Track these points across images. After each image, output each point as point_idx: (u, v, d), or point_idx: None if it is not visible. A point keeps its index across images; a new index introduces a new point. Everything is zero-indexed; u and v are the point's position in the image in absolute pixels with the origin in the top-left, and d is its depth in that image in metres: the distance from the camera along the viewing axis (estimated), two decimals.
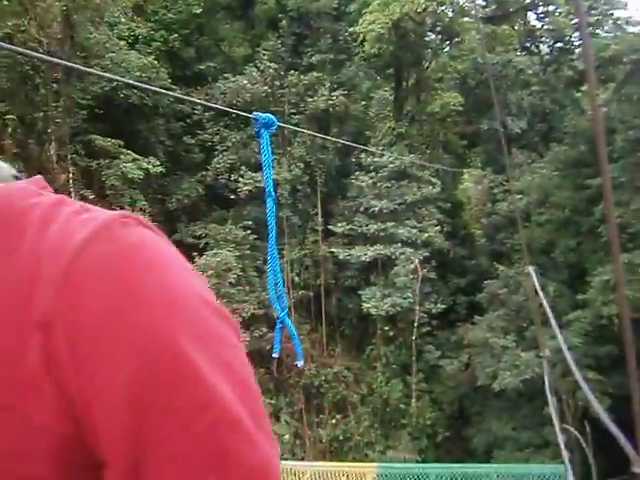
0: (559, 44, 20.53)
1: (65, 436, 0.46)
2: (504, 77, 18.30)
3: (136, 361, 0.45)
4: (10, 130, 12.71)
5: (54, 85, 13.45)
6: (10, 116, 12.70)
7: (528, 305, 15.21)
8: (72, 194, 13.97)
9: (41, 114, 13.40)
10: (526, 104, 18.13)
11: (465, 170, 22.69)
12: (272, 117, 3.05)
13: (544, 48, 21.33)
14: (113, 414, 0.46)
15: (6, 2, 12.56)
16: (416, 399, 16.88)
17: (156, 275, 0.48)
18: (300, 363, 3.67)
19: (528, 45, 21.50)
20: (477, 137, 20.45)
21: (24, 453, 0.46)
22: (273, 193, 3.28)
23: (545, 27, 20.87)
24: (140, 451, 0.45)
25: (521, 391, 14.35)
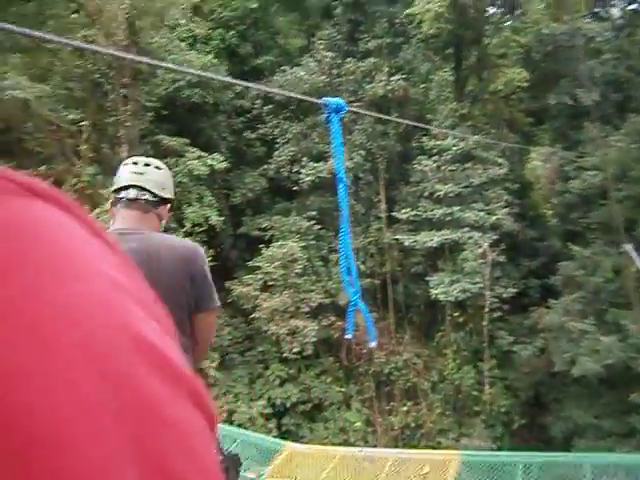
0: (633, 6, 19.18)
1: None
2: (572, 47, 17.32)
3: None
4: (85, 136, 13.43)
5: (122, 90, 14.06)
6: (84, 123, 13.41)
7: (607, 287, 14.48)
8: None
9: (112, 119, 14.06)
10: (598, 74, 17.09)
11: (532, 148, 21.76)
12: (342, 101, 3.02)
13: (615, 12, 20.01)
14: None
15: (75, 15, 13.24)
16: (489, 386, 16.49)
17: (58, 263, 0.28)
18: (373, 344, 3.63)
19: (597, 10, 20.23)
20: (545, 113, 19.52)
21: None
22: (344, 178, 3.23)
23: None
24: None
25: (603, 377, 13.70)
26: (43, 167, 13.81)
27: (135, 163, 2.07)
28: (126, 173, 2.03)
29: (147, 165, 2.08)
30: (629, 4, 19.27)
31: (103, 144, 14.34)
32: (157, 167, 2.10)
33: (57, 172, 13.86)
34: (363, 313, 3.39)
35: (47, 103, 13.40)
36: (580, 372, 13.51)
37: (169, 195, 2.10)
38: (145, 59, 2.77)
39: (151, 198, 2.01)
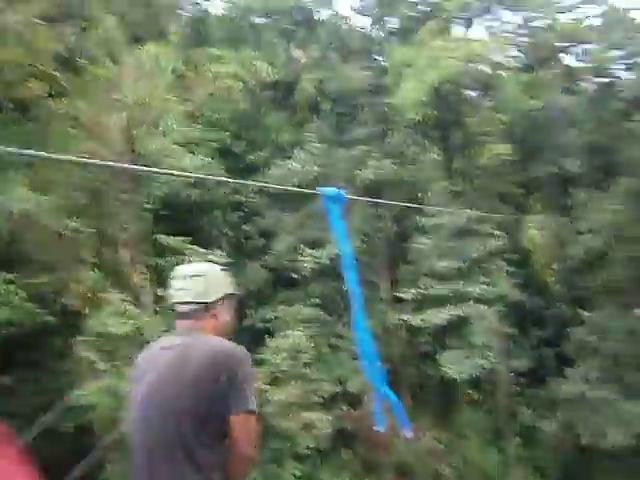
0: (602, 79, 20.25)
1: None
2: (551, 120, 18.11)
3: None
4: (86, 242, 13.65)
5: (122, 195, 14.48)
6: (86, 230, 13.68)
7: (625, 350, 14.12)
8: (147, 293, 14.61)
9: (112, 223, 14.37)
10: (580, 142, 17.74)
11: (526, 217, 22.07)
12: (339, 191, 2.99)
13: (589, 85, 21.09)
14: None
15: (74, 131, 13.92)
16: (515, 467, 15.61)
17: None
18: (410, 434, 3.19)
19: (570, 86, 21.34)
20: (534, 183, 20.02)
21: None
22: (354, 262, 3.18)
23: (587, 65, 20.74)
24: None
25: (636, 448, 12.99)
26: (45, 276, 13.91)
27: (177, 278, 2.24)
28: (172, 291, 2.24)
29: (186, 278, 2.23)
30: (598, 76, 20.37)
31: (104, 248, 14.55)
32: (197, 275, 2.23)
33: (59, 280, 13.93)
34: (391, 401, 3.09)
35: (50, 213, 13.74)
36: (609, 444, 12.85)
37: (215, 299, 2.23)
38: (139, 167, 2.92)
39: (197, 307, 2.18)
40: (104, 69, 14.21)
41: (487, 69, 18.85)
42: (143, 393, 2.04)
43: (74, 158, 2.82)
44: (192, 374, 1.96)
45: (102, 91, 14.19)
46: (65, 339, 13.86)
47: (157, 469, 1.94)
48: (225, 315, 2.27)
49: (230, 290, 2.32)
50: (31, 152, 2.25)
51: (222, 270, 2.36)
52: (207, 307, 2.20)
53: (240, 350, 2.07)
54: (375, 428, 2.98)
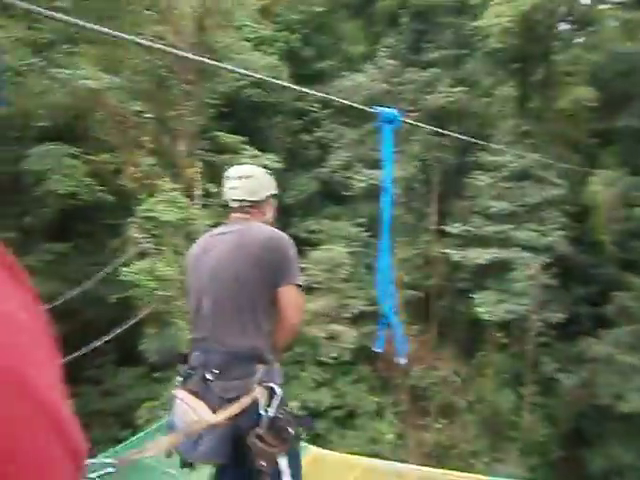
0: None
1: None
2: None
3: None
4: (148, 128, 13.92)
5: (186, 86, 14.48)
6: (148, 115, 13.90)
7: None
8: (198, 187, 14.99)
9: (174, 113, 14.50)
10: None
11: (595, 171, 20.94)
12: (395, 112, 2.95)
13: None
14: None
15: (147, 12, 13.76)
16: (529, 412, 15.97)
17: None
18: (403, 360, 3.49)
19: None
20: (612, 135, 18.77)
21: None
22: (390, 189, 3.25)
23: None
24: None
25: None
26: (107, 155, 14.42)
27: (231, 178, 2.63)
28: (226, 189, 2.64)
29: (239, 178, 2.61)
30: None
31: (164, 136, 14.81)
32: (249, 176, 2.63)
33: (119, 160, 14.42)
34: (394, 328, 3.30)
35: (116, 94, 13.98)
36: (628, 409, 12.89)
37: (262, 197, 2.64)
38: (206, 60, 2.89)
39: (247, 204, 2.60)
40: None
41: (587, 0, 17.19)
42: (213, 264, 2.43)
43: (144, 42, 2.82)
44: (253, 251, 2.38)
45: None
46: (118, 218, 14.59)
47: (228, 327, 2.35)
48: (270, 212, 2.69)
49: (274, 191, 2.73)
50: (101, 29, 2.24)
51: (267, 173, 2.73)
52: (257, 204, 2.61)
53: (287, 237, 2.50)
54: (375, 349, 3.19)
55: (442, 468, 14.48)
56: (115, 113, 13.80)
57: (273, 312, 2.39)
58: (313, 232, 16.88)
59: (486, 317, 15.13)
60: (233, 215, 2.63)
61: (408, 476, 4.62)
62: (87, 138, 14.72)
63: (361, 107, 3.23)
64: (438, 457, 16.22)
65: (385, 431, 15.86)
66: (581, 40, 18.68)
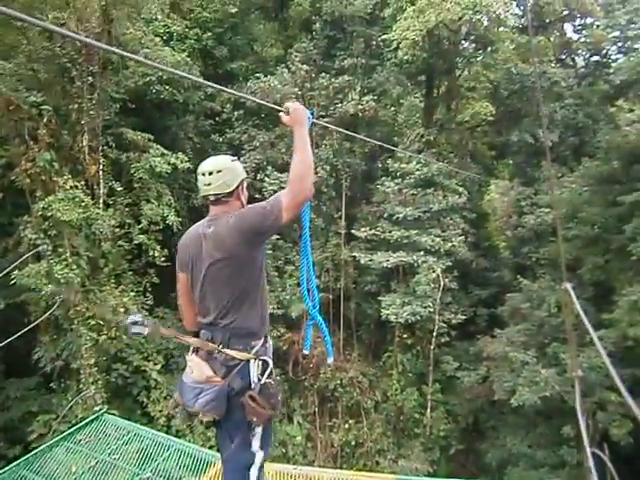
0: (595, 57, 20.14)
1: None
2: (538, 88, 18.02)
3: None
4: (45, 120, 12.97)
5: (90, 78, 13.66)
6: (46, 107, 12.96)
7: (550, 321, 14.96)
8: (101, 185, 14.20)
9: (76, 106, 13.62)
10: (559, 117, 17.84)
11: (492, 181, 22.43)
12: (308, 112, 2.96)
13: (580, 61, 20.96)
14: None
15: None
16: (431, 409, 16.72)
17: None
18: (331, 360, 3.75)
19: (563, 57, 21.15)
20: (506, 148, 20.19)
21: None
22: None
23: (582, 40, 20.51)
24: None
25: (539, 408, 14.09)
26: None
27: (203, 174, 2.86)
28: (201, 185, 2.87)
29: (210, 174, 2.84)
30: (592, 55, 20.23)
31: (63, 130, 13.88)
32: (219, 171, 2.85)
33: (11, 154, 13.31)
34: (322, 329, 3.36)
35: (8, 81, 12.90)
36: (518, 402, 13.86)
37: (235, 186, 2.88)
38: (117, 50, 2.74)
39: (223, 196, 2.85)
40: None
41: (486, 22, 18.33)
42: (206, 258, 2.76)
43: (45, 24, 2.59)
44: (231, 236, 2.71)
45: None
46: (9, 217, 13.47)
47: (228, 311, 2.76)
48: (243, 195, 2.95)
49: (244, 175, 2.97)
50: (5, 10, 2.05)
51: (233, 160, 2.96)
52: (231, 194, 2.86)
53: (248, 206, 2.85)
54: (304, 351, 3.26)
55: (350, 467, 14.79)
56: (7, 102, 12.73)
57: (264, 277, 2.81)
58: None
59: (392, 319, 15.66)
60: (212, 207, 2.89)
61: (320, 479, 4.64)
62: None
63: (273, 107, 3.23)
64: (345, 457, 16.54)
65: (294, 433, 15.90)
66: (481, 59, 19.90)
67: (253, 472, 2.81)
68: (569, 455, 13.75)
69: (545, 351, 14.75)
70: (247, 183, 3.03)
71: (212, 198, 2.85)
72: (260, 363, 2.76)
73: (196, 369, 2.81)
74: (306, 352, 3.45)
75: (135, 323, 2.72)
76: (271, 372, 2.79)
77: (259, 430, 2.78)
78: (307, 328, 3.41)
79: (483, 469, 16.11)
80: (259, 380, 2.74)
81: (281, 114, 2.91)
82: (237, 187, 2.89)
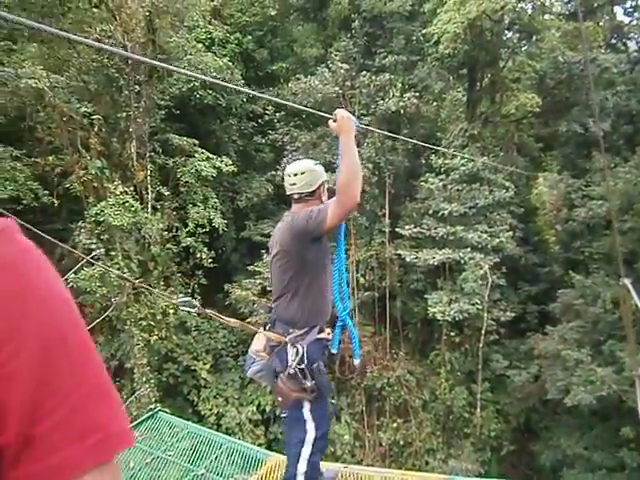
0: None
1: None
2: (587, 76, 17.35)
3: (38, 342, 0.58)
4: (96, 129, 13.48)
5: (136, 87, 14.11)
6: (96, 116, 13.46)
7: (606, 318, 14.40)
8: (149, 190, 14.64)
9: (124, 114, 14.10)
10: (610, 104, 17.11)
11: (540, 174, 21.77)
12: (353, 118, 3.03)
13: (632, 45, 20.10)
14: (18, 392, 0.56)
15: (96, 9, 13.34)
16: (481, 409, 16.39)
17: (43, 274, 0.62)
18: (357, 361, 3.84)
19: (614, 42, 20.31)
20: (554, 140, 19.56)
21: None
22: None
23: (634, 22, 19.65)
24: (30, 426, 0.56)
25: (595, 408, 13.59)
26: (52, 157, 13.87)
27: (289, 175, 3.20)
28: (287, 185, 3.22)
29: (295, 175, 3.17)
30: None
31: (113, 138, 14.39)
32: (302, 173, 3.17)
33: (65, 163, 13.90)
34: (350, 330, 3.45)
35: (61, 94, 13.47)
36: (573, 402, 13.41)
37: (316, 186, 3.19)
38: (157, 63, 2.89)
39: (305, 195, 3.17)
40: None
41: (530, 10, 17.83)
42: (273, 247, 3.18)
43: (90, 41, 2.68)
44: (288, 231, 3.05)
45: None
46: (64, 223, 14.06)
47: (276, 299, 3.14)
48: (324, 196, 3.24)
49: (324, 178, 3.25)
50: (46, 27, 2.14)
51: (316, 164, 3.27)
52: (312, 193, 3.17)
53: (313, 208, 3.05)
54: (332, 350, 3.35)
55: (398, 467, 14.68)
56: (61, 114, 13.30)
57: (315, 274, 3.09)
58: (267, 235, 16.75)
59: (439, 317, 15.44)
60: (294, 205, 3.21)
61: (371, 478, 4.64)
62: (31, 140, 14.13)
63: (318, 112, 3.37)
64: (394, 456, 16.42)
65: (342, 432, 15.92)
66: (526, 48, 19.36)
67: (305, 450, 3.02)
68: (629, 457, 13.21)
69: (601, 349, 14.21)
70: (327, 185, 3.30)
71: (296, 197, 3.18)
72: (294, 350, 3.02)
73: (255, 341, 3.25)
74: (333, 351, 3.54)
75: (184, 303, 3.16)
76: (305, 359, 3.01)
77: (306, 408, 3.03)
78: (336, 329, 3.46)
79: (536, 471, 15.68)
80: (290, 364, 3.01)
81: (330, 121, 3.02)
82: (318, 188, 3.19)
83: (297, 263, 3.02)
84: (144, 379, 13.07)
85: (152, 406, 6.50)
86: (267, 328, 3.18)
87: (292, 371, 3.00)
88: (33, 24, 1.87)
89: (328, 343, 3.26)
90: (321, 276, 3.14)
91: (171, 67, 3.42)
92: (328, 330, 3.27)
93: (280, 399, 3.05)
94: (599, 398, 13.06)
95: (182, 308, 3.26)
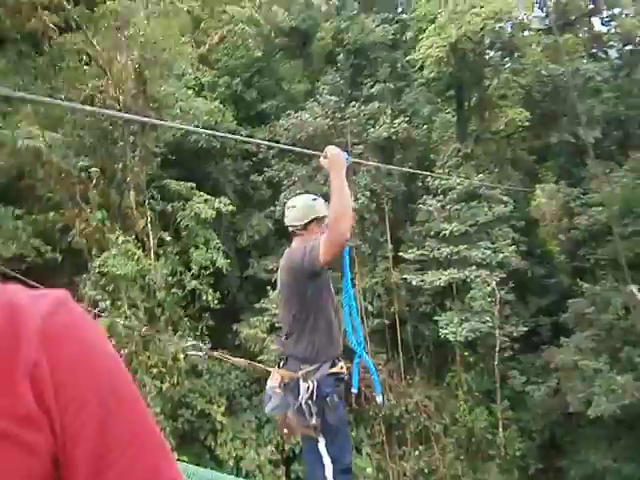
0: (629, 47, 19.61)
1: (48, 466, 0.59)
2: (571, 87, 17.61)
3: (97, 399, 0.62)
4: (94, 182, 13.65)
5: (131, 137, 14.36)
6: (93, 169, 13.66)
7: (619, 324, 14.25)
8: (150, 237, 14.71)
9: (120, 165, 14.31)
10: (598, 112, 17.33)
11: (537, 186, 21.87)
12: (344, 153, 3.07)
13: (613, 53, 20.44)
14: (83, 448, 0.60)
15: (87, 67, 13.69)
16: (503, 428, 16.06)
17: (97, 337, 0.68)
18: (379, 399, 3.89)
19: (595, 51, 20.69)
20: (548, 151, 19.72)
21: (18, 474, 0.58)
22: None
23: (612, 31, 20.04)
24: (96, 479, 0.60)
25: (619, 418, 13.31)
26: (52, 213, 14.01)
27: (287, 208, 3.33)
28: (285, 218, 3.36)
29: (289, 209, 3.31)
30: (625, 45, 19.71)
31: (111, 189, 14.55)
32: (294, 206, 3.29)
33: (66, 218, 14.03)
34: (369, 367, 3.47)
35: (58, 150, 13.70)
36: (596, 413, 13.15)
37: (306, 221, 3.25)
38: (146, 119, 3.04)
39: (296, 228, 3.27)
40: (117, 4, 13.83)
41: (509, 29, 18.22)
42: (279, 284, 3.30)
43: (80, 106, 2.77)
44: (288, 269, 3.16)
45: (115, 28, 13.86)
46: (68, 276, 14.09)
47: (287, 336, 3.22)
48: (316, 231, 3.22)
49: (319, 214, 3.25)
50: (35, 97, 2.20)
51: (314, 200, 3.33)
52: (303, 227, 3.25)
53: (300, 250, 3.11)
54: (352, 390, 3.35)
55: None
56: (59, 170, 13.50)
57: (319, 309, 3.13)
58: (271, 271, 16.76)
59: (451, 338, 15.30)
60: (293, 239, 3.33)
61: None
62: (31, 198, 14.30)
63: (310, 152, 3.52)
64: None
65: (364, 465, 15.57)
66: (509, 65, 19.70)
67: None
68: None
69: (618, 356, 14.01)
70: (322, 222, 3.29)
71: (290, 229, 3.32)
72: (306, 385, 3.06)
73: (271, 377, 3.30)
74: (354, 391, 3.57)
75: (192, 348, 3.46)
76: (315, 395, 3.04)
77: (322, 442, 3.05)
78: (354, 366, 3.46)
79: None
80: (301, 398, 3.05)
81: (321, 158, 3.09)
82: (310, 222, 3.25)
83: (299, 301, 3.08)
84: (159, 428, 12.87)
85: None
86: (281, 365, 3.23)
87: (301, 405, 3.01)
88: (32, 97, 1.94)
89: (343, 376, 3.22)
90: (327, 310, 3.15)
91: (162, 122, 3.53)
92: (341, 364, 3.23)
93: (286, 431, 3.16)
94: (622, 407, 12.81)
95: (190, 353, 3.49)
